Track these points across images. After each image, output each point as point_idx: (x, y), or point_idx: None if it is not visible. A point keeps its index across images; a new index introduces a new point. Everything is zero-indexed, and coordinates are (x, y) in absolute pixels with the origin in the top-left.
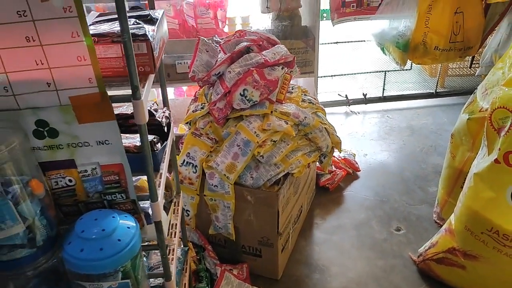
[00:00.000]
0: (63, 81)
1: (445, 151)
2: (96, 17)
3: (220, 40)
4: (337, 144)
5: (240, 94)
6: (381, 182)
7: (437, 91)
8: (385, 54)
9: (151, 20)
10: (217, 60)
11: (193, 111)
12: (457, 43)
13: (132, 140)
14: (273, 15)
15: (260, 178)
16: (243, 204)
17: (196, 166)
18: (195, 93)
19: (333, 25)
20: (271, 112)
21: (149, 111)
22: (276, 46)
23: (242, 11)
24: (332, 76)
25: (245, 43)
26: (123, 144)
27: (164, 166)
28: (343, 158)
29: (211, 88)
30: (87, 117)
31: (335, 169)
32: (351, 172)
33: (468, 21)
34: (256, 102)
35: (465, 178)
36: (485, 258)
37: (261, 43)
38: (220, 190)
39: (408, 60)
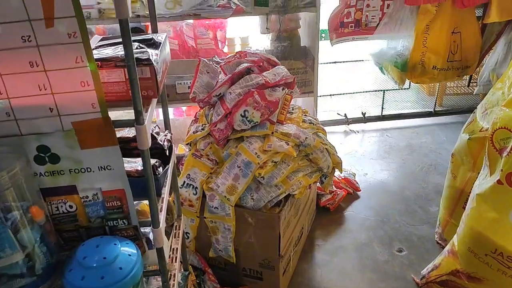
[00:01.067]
0: (66, 106)
1: (445, 170)
2: (99, 41)
3: (220, 61)
4: (337, 164)
5: (241, 115)
6: (381, 202)
7: (436, 110)
8: (384, 74)
9: (154, 44)
10: (217, 81)
11: (193, 132)
12: (455, 62)
13: (133, 164)
14: (272, 35)
15: (261, 199)
16: (244, 226)
17: (196, 187)
18: (196, 113)
19: (332, 45)
20: (272, 133)
21: (151, 135)
22: (276, 67)
23: (241, 32)
24: (331, 95)
25: (245, 64)
26: (125, 169)
27: (166, 190)
28: (343, 178)
29: (212, 109)
30: (90, 143)
31: (335, 189)
32: (352, 192)
33: (465, 41)
34: (257, 123)
35: (467, 199)
36: (490, 281)
37: (261, 64)
38: (220, 212)
39: (407, 79)
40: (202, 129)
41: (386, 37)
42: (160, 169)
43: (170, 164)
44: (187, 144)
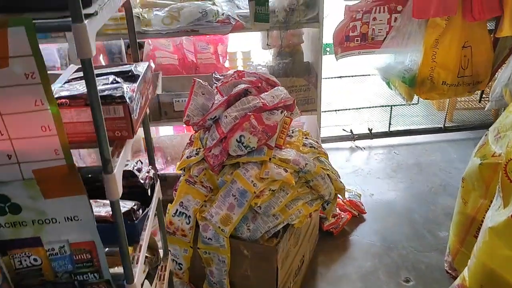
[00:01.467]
0: (26, 153)
1: (455, 191)
2: (75, 71)
3: (220, 77)
4: (340, 190)
5: (237, 140)
6: (388, 226)
7: (446, 125)
8: (391, 89)
9: (132, 77)
10: (213, 103)
11: (187, 157)
12: (466, 77)
13: (108, 208)
14: (274, 51)
15: (258, 230)
16: (240, 258)
17: (189, 216)
18: (191, 136)
19: (337, 60)
20: (270, 159)
21: (131, 172)
22: (275, 88)
23: (243, 46)
24: (336, 110)
25: (242, 86)
26: (98, 214)
27: (145, 236)
28: (348, 200)
29: (207, 132)
30: (54, 191)
31: (339, 212)
32: (357, 215)
33: (476, 55)
34: (253, 149)
35: (479, 227)
36: None
37: (259, 84)
38: (214, 243)
39: (415, 95)
40: (196, 153)
41: (393, 51)
42: (140, 212)
43: (153, 204)
44: (181, 169)
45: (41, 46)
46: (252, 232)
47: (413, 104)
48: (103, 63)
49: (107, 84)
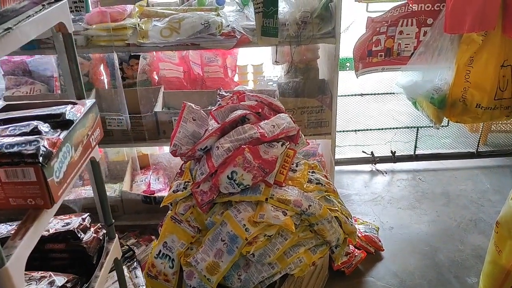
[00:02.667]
0: None
1: (488, 228)
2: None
3: (225, 94)
4: (351, 234)
5: (228, 177)
6: (408, 267)
7: (479, 150)
8: (418, 109)
9: (64, 123)
10: (206, 130)
11: (173, 191)
12: (504, 100)
13: (40, 286)
14: (284, 67)
15: (250, 280)
16: None
17: (173, 260)
18: (182, 165)
19: (357, 76)
20: (266, 199)
21: (72, 232)
22: (277, 116)
23: (255, 59)
24: (356, 131)
25: (239, 112)
26: None
27: None
28: (363, 235)
29: (198, 163)
30: None
31: (353, 249)
32: (373, 252)
33: None
34: (247, 186)
35: None
36: None
37: (260, 110)
38: None
39: (445, 117)
40: (184, 188)
41: (421, 68)
42: None
43: (102, 273)
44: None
45: (36, 56)
46: (244, 282)
47: (442, 126)
48: (104, 74)
49: (25, 134)
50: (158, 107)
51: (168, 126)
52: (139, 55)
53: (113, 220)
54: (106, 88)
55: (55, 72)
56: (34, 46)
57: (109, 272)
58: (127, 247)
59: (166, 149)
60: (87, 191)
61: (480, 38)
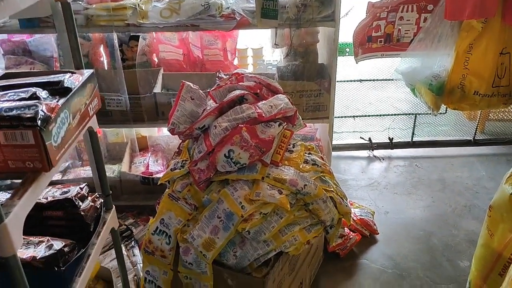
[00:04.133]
0: None
1: (482, 214)
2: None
3: (225, 76)
4: (346, 214)
5: (225, 155)
6: (402, 250)
7: (476, 138)
8: (416, 96)
9: (62, 90)
10: (204, 109)
11: (171, 169)
12: (502, 87)
13: (33, 249)
14: (284, 50)
15: (246, 257)
16: (223, 287)
17: (170, 236)
18: (180, 144)
19: (356, 62)
20: (263, 178)
21: (69, 200)
22: (275, 96)
23: (254, 42)
24: (354, 117)
25: (238, 92)
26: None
27: (81, 281)
28: (358, 218)
29: (196, 142)
30: None
31: (348, 231)
32: (368, 235)
33: None
34: (244, 165)
35: (505, 265)
36: None
37: (258, 91)
38: (196, 269)
39: (442, 104)
40: (182, 166)
41: (420, 55)
42: (74, 254)
43: (98, 242)
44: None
45: (36, 35)
46: (239, 259)
47: (440, 113)
48: (103, 55)
49: (24, 99)
50: (157, 89)
51: (167, 107)
52: (139, 37)
53: (111, 191)
54: (106, 69)
55: (55, 52)
56: (34, 24)
57: (108, 250)
58: (125, 226)
59: (165, 131)
60: (86, 171)
61: (480, 25)
